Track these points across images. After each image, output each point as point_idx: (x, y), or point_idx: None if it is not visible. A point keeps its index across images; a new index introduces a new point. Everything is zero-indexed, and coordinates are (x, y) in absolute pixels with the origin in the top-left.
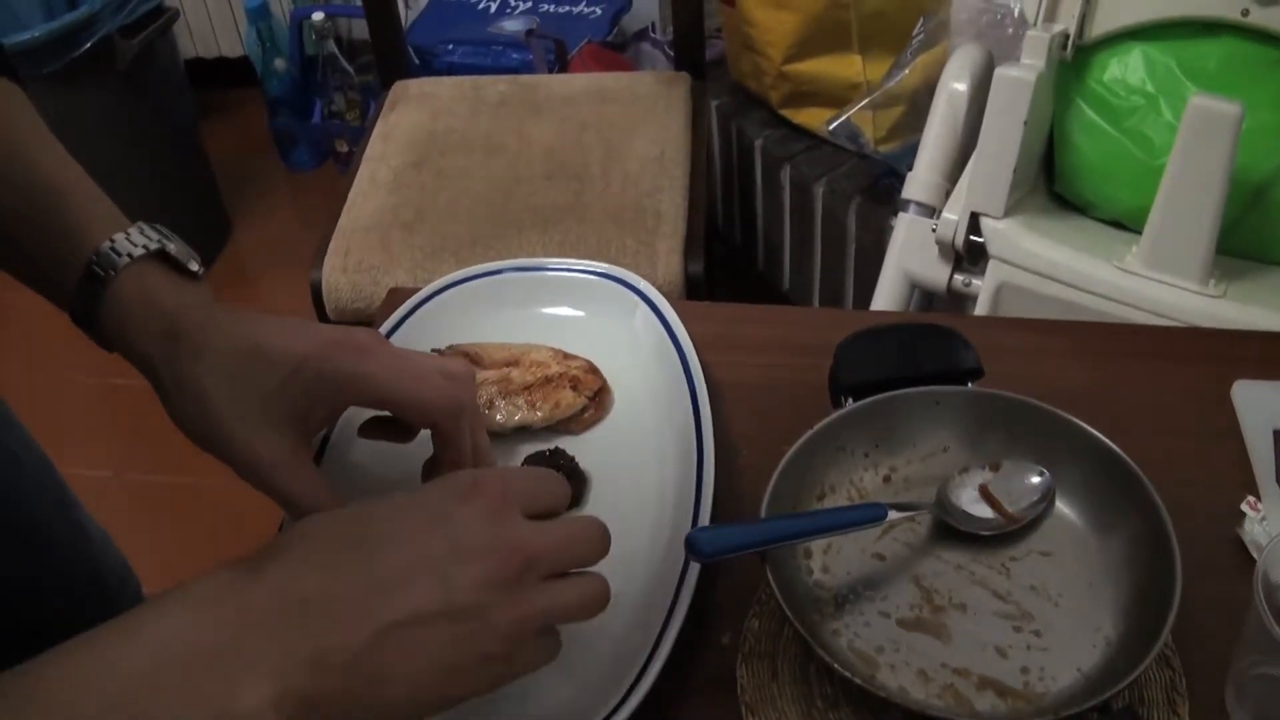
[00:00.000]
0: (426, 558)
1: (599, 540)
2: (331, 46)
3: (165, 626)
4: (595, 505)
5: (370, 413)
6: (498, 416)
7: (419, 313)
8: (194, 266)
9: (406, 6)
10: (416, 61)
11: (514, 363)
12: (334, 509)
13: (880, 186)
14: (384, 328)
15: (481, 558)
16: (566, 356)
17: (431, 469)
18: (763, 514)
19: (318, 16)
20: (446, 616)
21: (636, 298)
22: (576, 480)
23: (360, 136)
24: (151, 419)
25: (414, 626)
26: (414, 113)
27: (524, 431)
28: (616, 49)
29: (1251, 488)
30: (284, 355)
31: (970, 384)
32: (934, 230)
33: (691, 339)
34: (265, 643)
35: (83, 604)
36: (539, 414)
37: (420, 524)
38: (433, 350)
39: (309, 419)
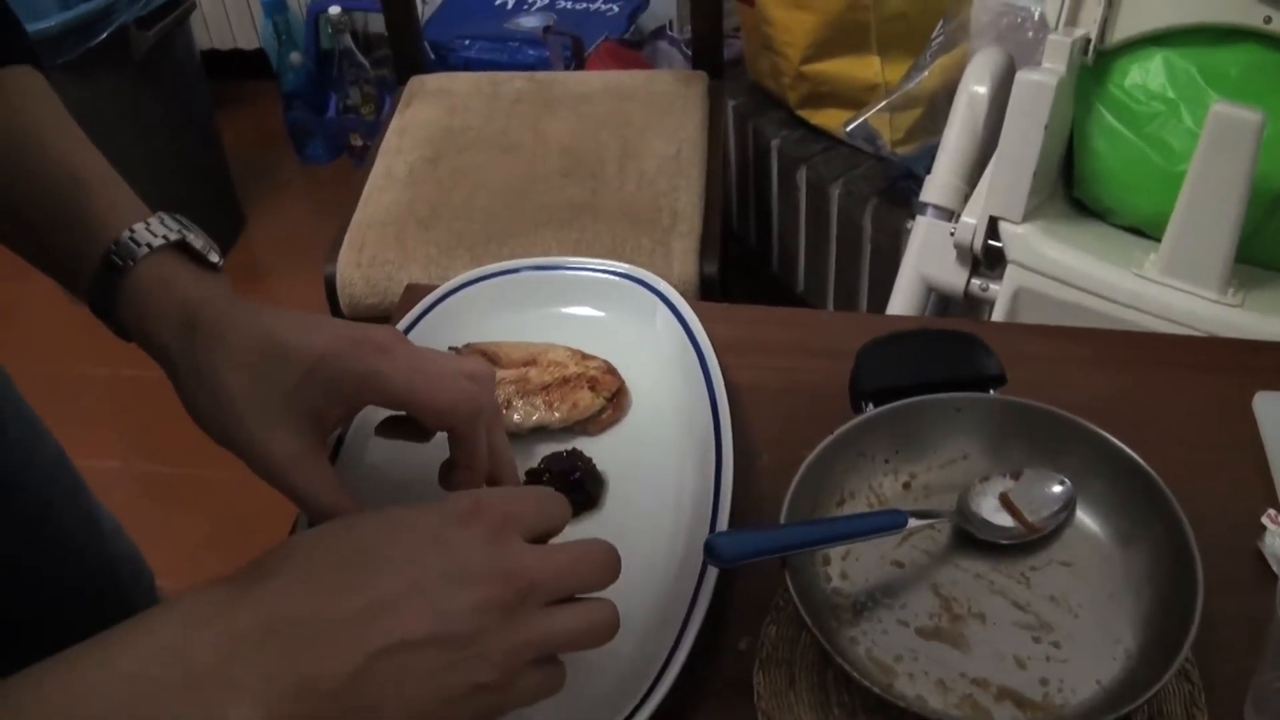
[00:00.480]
0: (420, 582)
1: (608, 565)
2: (347, 40)
3: (155, 641)
4: (612, 507)
5: (388, 411)
6: (515, 416)
7: (436, 310)
8: (214, 258)
9: (423, 1)
10: (432, 56)
11: (532, 362)
12: (346, 508)
13: (897, 189)
14: (401, 324)
15: (479, 583)
16: (585, 357)
17: (449, 470)
18: (782, 519)
19: (334, 10)
20: (439, 644)
21: (656, 299)
22: (593, 482)
23: (375, 131)
24: (162, 410)
25: (405, 653)
26: (430, 108)
27: (541, 432)
28: (633, 47)
29: (1273, 500)
30: (302, 352)
31: (992, 391)
32: (952, 234)
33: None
34: (251, 667)
35: (96, 595)
36: (557, 414)
37: (416, 547)
38: (449, 349)
39: (325, 416)
